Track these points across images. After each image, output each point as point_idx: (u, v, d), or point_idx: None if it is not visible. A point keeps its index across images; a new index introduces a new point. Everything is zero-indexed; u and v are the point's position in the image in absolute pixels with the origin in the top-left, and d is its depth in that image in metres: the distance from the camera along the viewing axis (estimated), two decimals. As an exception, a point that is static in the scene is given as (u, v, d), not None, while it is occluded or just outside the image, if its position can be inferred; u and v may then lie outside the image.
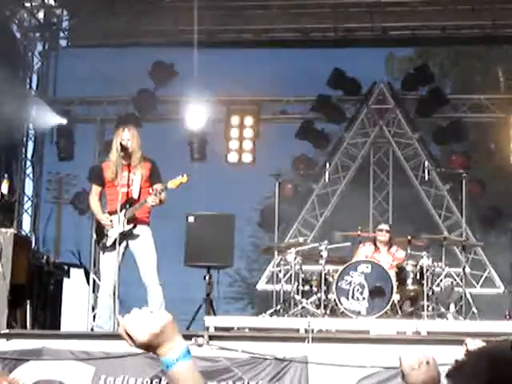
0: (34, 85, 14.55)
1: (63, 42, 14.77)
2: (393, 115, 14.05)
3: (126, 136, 8.76)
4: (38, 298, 10.12)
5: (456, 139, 13.79)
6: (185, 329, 9.79)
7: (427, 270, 9.56)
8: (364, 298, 9.43)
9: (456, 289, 10.16)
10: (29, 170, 14.28)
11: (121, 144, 8.69)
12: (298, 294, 9.81)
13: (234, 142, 13.95)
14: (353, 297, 9.44)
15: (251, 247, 15.59)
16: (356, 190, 14.13)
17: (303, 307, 9.66)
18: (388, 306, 9.35)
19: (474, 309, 9.83)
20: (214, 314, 10.22)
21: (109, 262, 8.83)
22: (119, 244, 8.69)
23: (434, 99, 13.78)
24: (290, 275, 10.17)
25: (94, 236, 9.31)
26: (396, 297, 9.50)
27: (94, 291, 12.94)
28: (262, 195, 13.95)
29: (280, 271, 10.71)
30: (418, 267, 9.67)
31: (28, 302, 9.69)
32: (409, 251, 10.25)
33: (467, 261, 11.55)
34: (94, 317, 10.96)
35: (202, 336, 8.08)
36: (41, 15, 14.34)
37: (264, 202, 13.93)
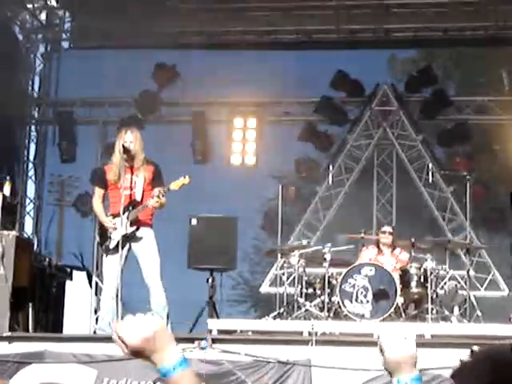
0: (36, 86, 14.55)
1: (65, 44, 14.78)
2: (396, 117, 14.01)
3: (129, 138, 8.73)
4: (40, 301, 10.09)
5: (460, 141, 13.75)
6: (188, 332, 9.76)
7: (431, 273, 9.51)
8: (368, 301, 9.39)
9: (460, 292, 10.12)
10: (31, 172, 14.27)
11: (123, 146, 8.66)
12: (301, 296, 9.77)
13: (236, 144, 13.92)
14: (356, 300, 9.40)
15: (254, 250, 15.55)
16: (359, 192, 14.08)
17: (306, 310, 9.62)
18: (392, 309, 9.31)
19: (478, 312, 9.78)
20: (217, 317, 10.19)
21: (112, 265, 8.80)
22: (122, 246, 8.66)
23: (438, 101, 13.75)
24: (294, 278, 10.13)
25: (97, 238, 9.28)
26: (400, 300, 9.46)
27: (96, 294, 12.90)
28: (265, 197, 13.90)
29: (283, 274, 10.67)
30: (422, 270, 9.62)
31: (30, 304, 9.66)
32: (413, 254, 10.20)
33: (471, 263, 11.49)
34: (97, 319, 10.94)
35: (205, 339, 8.05)
36: (43, 17, 14.34)
37: (267, 205, 13.88)
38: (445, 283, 9.81)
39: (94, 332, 9.57)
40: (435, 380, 7.30)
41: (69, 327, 10.90)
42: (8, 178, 11.10)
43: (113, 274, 8.77)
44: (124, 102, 14.34)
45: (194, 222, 10.70)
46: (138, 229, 8.74)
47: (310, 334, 8.16)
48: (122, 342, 2.20)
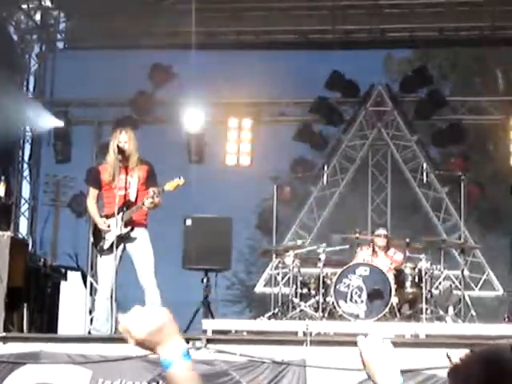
0: (31, 87, 14.53)
1: (60, 44, 14.76)
2: (391, 117, 14.03)
3: (123, 138, 8.73)
4: (34, 301, 10.07)
5: (455, 141, 13.76)
6: (182, 332, 9.75)
7: (426, 273, 9.53)
8: (362, 301, 9.40)
9: (455, 291, 10.14)
10: (26, 173, 14.25)
11: (118, 146, 8.66)
12: (296, 296, 9.78)
13: (232, 145, 13.92)
14: (351, 300, 9.41)
15: (249, 250, 15.58)
16: (354, 192, 14.10)
17: (301, 310, 9.63)
18: (386, 309, 9.31)
19: (472, 311, 9.79)
20: (212, 317, 10.19)
21: (106, 265, 8.80)
22: (116, 247, 8.66)
23: (433, 101, 13.76)
24: (288, 278, 10.14)
25: (91, 239, 9.28)
26: (394, 300, 9.47)
27: (91, 294, 12.88)
28: (260, 198, 13.93)
29: (278, 274, 10.68)
30: (417, 270, 9.64)
31: (25, 305, 9.65)
32: (407, 254, 10.21)
33: (466, 263, 11.52)
34: (92, 320, 10.92)
35: (200, 339, 8.05)
36: (38, 17, 14.31)
37: (262, 205, 13.90)
38: (439, 283, 9.83)
39: (89, 332, 9.57)
40: (430, 380, 7.31)
41: (63, 328, 10.88)
42: (3, 178, 11.09)
43: (107, 275, 8.76)
44: (119, 102, 14.34)
45: (188, 222, 10.70)
46: (132, 229, 8.74)
47: (304, 334, 8.16)
48: (128, 333, 2.21)
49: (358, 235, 10.51)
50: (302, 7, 13.78)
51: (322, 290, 9.54)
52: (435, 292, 9.72)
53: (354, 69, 14.13)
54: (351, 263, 9.89)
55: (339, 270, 9.64)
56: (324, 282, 9.63)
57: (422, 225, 13.61)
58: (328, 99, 14.02)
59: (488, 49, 15.15)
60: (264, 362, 7.86)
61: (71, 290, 11.99)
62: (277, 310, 9.93)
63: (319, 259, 9.79)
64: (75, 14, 14.05)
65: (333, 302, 9.45)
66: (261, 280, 13.62)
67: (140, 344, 2.23)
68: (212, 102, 14.10)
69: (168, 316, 2.24)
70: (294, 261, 10.01)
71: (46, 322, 10.42)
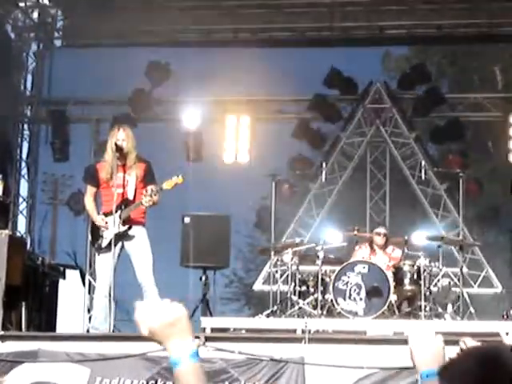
0: (28, 85, 14.50)
1: (58, 42, 14.73)
2: (389, 114, 14.01)
3: (121, 136, 8.71)
4: (33, 300, 10.06)
5: (453, 138, 13.75)
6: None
7: (424, 270, 9.52)
8: (361, 299, 9.39)
9: (453, 289, 10.13)
10: (24, 171, 14.23)
11: (116, 144, 8.64)
12: (294, 294, 9.77)
13: (230, 142, 13.90)
14: (350, 297, 9.40)
15: (248, 248, 15.58)
16: (353, 189, 14.10)
17: (300, 308, 9.62)
18: (385, 307, 9.31)
19: (471, 309, 9.78)
20: (211, 315, 10.18)
21: (104, 264, 8.78)
22: (114, 245, 8.64)
23: (431, 98, 13.74)
24: (287, 276, 10.13)
25: (89, 237, 9.26)
26: (393, 297, 9.46)
27: (89, 292, 12.87)
28: (259, 195, 13.91)
29: (277, 272, 10.67)
30: (415, 267, 9.63)
31: (23, 303, 9.63)
32: (405, 251, 10.20)
33: (464, 261, 11.50)
34: (90, 318, 10.91)
35: (198, 337, 8.04)
36: (35, 15, 14.29)
37: (260, 203, 13.88)
38: (438, 280, 9.82)
39: (87, 331, 9.55)
40: (428, 377, 7.29)
41: (62, 326, 10.87)
42: (0, 176, 11.07)
43: (105, 273, 8.75)
44: (117, 100, 14.31)
45: (186, 220, 10.69)
46: (130, 227, 8.72)
47: (303, 331, 8.15)
48: (143, 320, 2.23)
49: (356, 233, 10.50)
50: (300, 4, 13.77)
51: (320, 288, 9.53)
52: (434, 289, 9.71)
53: (352, 66, 14.13)
54: (350, 261, 9.88)
55: (338, 268, 9.63)
56: (323, 280, 9.62)
57: (420, 222, 13.59)
58: (326, 96, 14.01)
59: (486, 46, 15.15)
60: (263, 360, 7.85)
61: (69, 288, 11.97)
62: (275, 307, 9.92)
63: (318, 257, 9.78)
64: (73, 11, 14.02)
65: (331, 300, 9.45)
66: (259, 278, 13.61)
67: (152, 334, 2.24)
68: (210, 100, 14.08)
69: (184, 313, 2.25)
70: (292, 258, 10.00)
71: (44, 320, 10.40)
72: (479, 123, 14.28)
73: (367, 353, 7.81)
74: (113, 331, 8.64)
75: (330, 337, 8.39)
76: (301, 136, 14.02)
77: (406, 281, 9.64)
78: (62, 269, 11.40)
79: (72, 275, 12.42)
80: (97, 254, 9.03)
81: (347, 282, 9.47)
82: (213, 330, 8.57)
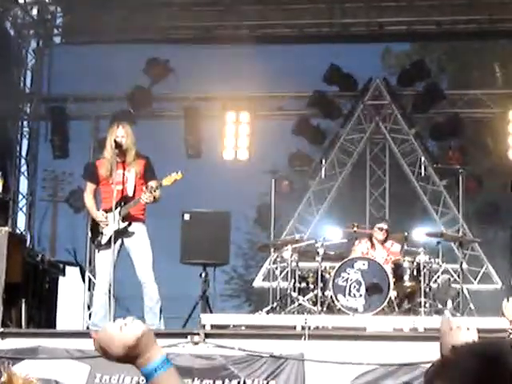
0: (28, 82, 14.48)
1: (57, 39, 14.71)
2: (389, 111, 14.00)
3: (120, 133, 8.71)
4: (33, 297, 10.06)
5: (453, 135, 13.74)
6: (181, 327, 9.76)
7: (424, 267, 9.52)
8: (361, 295, 9.39)
9: (453, 285, 10.13)
10: (23, 168, 14.21)
11: (115, 141, 8.64)
12: (294, 291, 9.77)
13: (229, 139, 13.89)
14: (349, 294, 9.40)
15: (247, 244, 15.55)
16: (352, 186, 14.08)
17: (300, 304, 9.62)
18: (385, 303, 9.31)
19: (471, 305, 9.78)
20: (210, 312, 10.18)
21: (104, 260, 8.79)
22: (114, 242, 8.65)
23: (431, 95, 13.73)
24: (287, 272, 10.13)
25: (89, 234, 9.26)
26: (393, 293, 9.46)
27: (89, 289, 12.88)
28: (258, 192, 13.88)
29: (276, 268, 10.67)
30: (415, 264, 9.63)
31: (23, 300, 9.64)
32: (405, 247, 10.21)
33: (464, 257, 11.50)
34: (90, 315, 10.92)
35: (198, 334, 8.05)
36: (34, 12, 14.27)
37: (260, 199, 13.86)
38: (438, 277, 9.82)
39: (87, 327, 9.57)
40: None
41: (62, 323, 10.87)
42: (0, 173, 11.07)
43: (105, 270, 8.76)
44: (117, 97, 14.28)
45: (186, 216, 10.69)
46: (130, 224, 8.73)
47: (303, 328, 8.16)
48: (104, 351, 2.18)
49: (356, 229, 10.50)
50: (299, 1, 13.75)
51: (320, 284, 9.54)
52: (434, 286, 9.71)
53: (351, 62, 14.10)
54: (349, 257, 9.88)
55: (337, 264, 9.63)
56: (322, 276, 9.62)
57: (420, 218, 13.59)
58: (326, 93, 14.00)
59: (486, 42, 15.11)
60: (262, 357, 7.86)
61: (69, 285, 11.98)
62: (275, 304, 9.92)
63: (317, 253, 9.78)
64: (72, 8, 14.01)
65: (331, 296, 9.45)
66: (259, 274, 13.61)
67: (119, 360, 2.19)
68: (209, 97, 14.07)
69: (143, 328, 2.18)
70: (292, 255, 10.00)
71: (44, 317, 10.41)
72: (479, 119, 14.25)
73: (367, 349, 7.82)
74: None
75: (329, 333, 8.40)
76: (300, 132, 14.00)
77: (406, 277, 9.64)
78: (61, 266, 11.40)
79: (72, 272, 12.43)
80: (97, 251, 9.04)
81: (347, 279, 9.47)
82: (213, 326, 8.58)
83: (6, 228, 9.51)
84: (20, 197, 14.14)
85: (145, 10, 13.48)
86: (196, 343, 7.97)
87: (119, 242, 8.76)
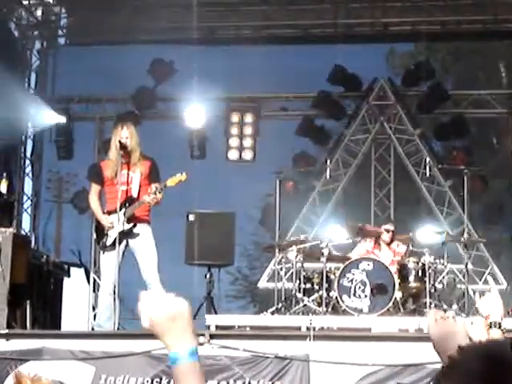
0: (32, 83, 14.49)
1: (62, 40, 14.73)
2: (394, 111, 13.98)
3: (125, 134, 8.71)
4: (37, 298, 10.06)
5: (457, 135, 13.72)
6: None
7: (429, 267, 9.51)
8: (366, 296, 9.38)
9: (458, 285, 10.11)
10: (28, 169, 14.23)
11: (120, 142, 8.63)
12: (299, 291, 9.76)
13: (234, 140, 13.89)
14: (354, 294, 9.39)
15: (252, 245, 15.57)
16: (357, 186, 14.07)
17: (305, 305, 9.61)
18: (390, 304, 9.30)
19: (476, 305, 9.75)
20: (215, 313, 10.18)
21: (109, 262, 8.78)
22: (119, 243, 8.64)
23: (435, 95, 13.71)
24: (292, 273, 10.12)
25: (94, 235, 9.26)
26: (398, 294, 9.45)
27: (94, 290, 12.89)
28: (263, 193, 13.90)
29: (281, 269, 10.66)
30: (420, 264, 9.62)
31: (28, 301, 9.63)
32: (410, 248, 10.20)
33: (469, 257, 11.49)
34: (95, 316, 10.92)
35: (203, 335, 8.04)
36: (39, 13, 14.28)
37: (265, 200, 13.87)
38: (443, 277, 9.81)
39: (92, 329, 9.56)
40: (433, 374, 7.29)
41: (67, 324, 10.88)
42: (5, 175, 11.08)
43: (110, 271, 8.75)
44: (121, 98, 14.31)
45: (191, 217, 10.69)
46: (135, 225, 8.72)
47: (308, 329, 8.15)
48: (144, 311, 2.20)
49: (360, 230, 10.47)
50: (304, 1, 13.74)
51: (325, 285, 9.52)
52: (439, 286, 9.70)
53: (356, 63, 14.11)
54: (354, 258, 9.87)
55: (342, 265, 9.62)
56: (327, 277, 9.61)
57: (425, 219, 13.57)
58: (330, 93, 13.99)
59: (491, 42, 15.11)
60: (267, 357, 7.85)
61: (74, 286, 11.99)
62: (280, 305, 9.91)
63: (322, 254, 9.77)
64: (76, 9, 14.02)
65: (336, 297, 9.44)
66: (264, 275, 13.60)
67: (152, 326, 2.21)
68: (214, 97, 14.07)
69: (187, 309, 2.21)
70: (297, 256, 9.99)
71: (49, 318, 10.41)
72: (484, 120, 14.25)
73: (372, 350, 7.80)
74: (117, 329, 8.63)
75: (334, 334, 8.39)
76: (305, 133, 14.00)
77: (411, 278, 9.63)
78: (66, 267, 11.40)
79: (77, 273, 12.44)
80: (101, 252, 9.03)
81: (352, 279, 9.46)
82: (217, 327, 8.57)
83: (11, 229, 9.50)
84: (25, 198, 14.16)
85: (148, 10, 13.49)
86: (201, 344, 7.95)
87: (124, 243, 8.75)
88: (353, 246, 10.70)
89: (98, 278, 11.40)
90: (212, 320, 8.78)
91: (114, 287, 8.67)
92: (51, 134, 14.27)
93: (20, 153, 14.19)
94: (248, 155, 13.83)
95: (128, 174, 8.69)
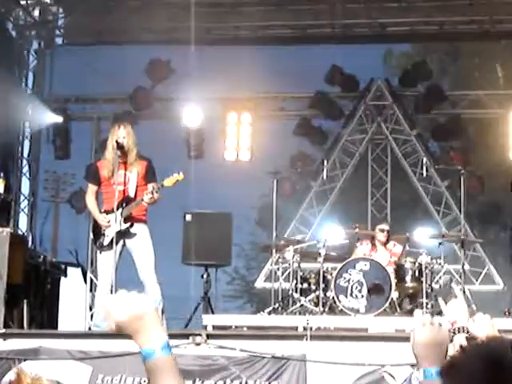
0: (29, 83, 14.48)
1: (59, 40, 14.72)
2: (391, 112, 14.00)
3: (122, 134, 8.71)
4: (34, 298, 10.06)
5: (454, 135, 13.74)
6: (183, 327, 9.76)
7: (426, 267, 9.52)
8: (362, 296, 9.39)
9: (453, 285, 10.11)
10: (25, 169, 14.22)
11: (116, 142, 8.64)
12: (296, 291, 9.77)
13: (231, 140, 13.89)
14: (351, 294, 9.40)
15: (249, 245, 15.57)
16: (354, 186, 14.08)
17: (302, 305, 9.62)
18: (387, 304, 9.31)
19: (473, 306, 9.78)
20: (212, 313, 10.18)
21: (106, 261, 8.78)
22: (116, 243, 8.64)
23: (433, 95, 13.73)
24: (289, 273, 10.13)
25: (91, 235, 9.26)
26: (395, 294, 9.46)
27: (91, 290, 12.88)
28: (260, 193, 13.89)
29: (278, 269, 10.67)
30: (417, 264, 9.63)
31: (25, 301, 9.63)
32: (407, 248, 10.21)
33: (466, 257, 11.50)
34: (92, 316, 10.92)
35: (200, 335, 8.04)
36: (36, 13, 14.27)
37: (262, 200, 13.87)
38: (440, 277, 9.83)
39: (89, 328, 9.56)
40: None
41: (64, 324, 10.87)
42: (2, 174, 11.08)
43: (107, 271, 8.75)
44: (118, 98, 14.31)
45: (188, 217, 10.69)
46: (131, 225, 8.72)
47: (304, 329, 8.15)
48: (110, 314, 2.21)
49: (357, 230, 10.49)
50: (301, 1, 13.74)
51: (322, 285, 9.53)
52: (435, 286, 9.71)
53: (353, 63, 14.12)
54: (351, 258, 9.88)
55: (339, 265, 9.63)
56: (324, 277, 9.62)
57: (422, 219, 13.59)
58: (327, 94, 14.00)
59: (488, 43, 15.12)
60: (264, 357, 7.85)
61: (71, 286, 11.98)
62: (277, 305, 9.92)
63: (319, 254, 9.78)
64: (74, 9, 14.02)
65: (333, 297, 9.45)
66: (261, 275, 13.61)
67: (120, 328, 2.21)
68: (211, 97, 14.06)
69: (151, 306, 2.22)
70: (294, 256, 10.00)
71: (46, 318, 10.41)
72: (481, 120, 14.26)
73: (369, 350, 7.81)
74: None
75: (331, 334, 8.39)
76: (302, 133, 14.01)
77: (408, 278, 9.64)
78: (63, 267, 11.40)
79: (74, 273, 12.43)
80: (98, 252, 9.03)
81: (349, 280, 9.47)
82: (214, 327, 8.57)
83: (8, 229, 9.50)
84: (22, 198, 14.15)
85: (146, 10, 13.48)
86: (198, 344, 7.96)
87: (121, 242, 8.75)
88: (349, 246, 10.71)
89: (95, 277, 11.40)
90: (209, 320, 8.78)
91: (111, 287, 8.67)
92: (48, 134, 14.27)
93: (17, 152, 14.17)
94: (245, 155, 13.84)
95: (125, 174, 8.69)
